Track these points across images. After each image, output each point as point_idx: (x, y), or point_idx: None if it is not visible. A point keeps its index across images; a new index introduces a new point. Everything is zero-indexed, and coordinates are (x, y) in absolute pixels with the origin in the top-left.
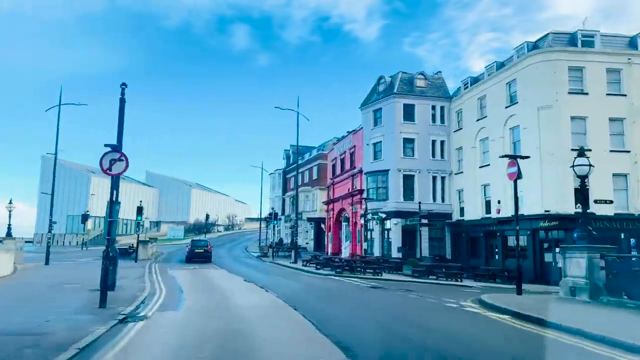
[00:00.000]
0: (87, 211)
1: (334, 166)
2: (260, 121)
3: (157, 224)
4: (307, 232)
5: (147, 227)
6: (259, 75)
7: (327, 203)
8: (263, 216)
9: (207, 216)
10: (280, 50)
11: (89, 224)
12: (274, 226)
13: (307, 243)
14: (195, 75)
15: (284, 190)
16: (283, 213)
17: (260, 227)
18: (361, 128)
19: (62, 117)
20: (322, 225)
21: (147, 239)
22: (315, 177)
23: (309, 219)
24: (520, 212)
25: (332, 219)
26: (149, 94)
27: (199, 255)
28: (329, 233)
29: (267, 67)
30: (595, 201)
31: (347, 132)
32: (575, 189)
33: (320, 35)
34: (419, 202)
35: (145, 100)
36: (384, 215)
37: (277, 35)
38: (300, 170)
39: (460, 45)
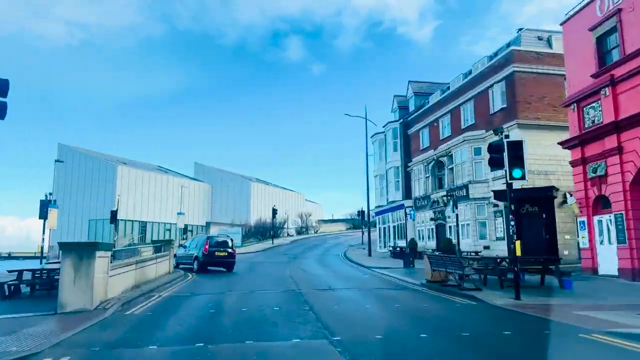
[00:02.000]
0: (50, 199)
1: (603, 41)
2: (318, 129)
3: (206, 226)
4: (469, 223)
5: (182, 229)
6: (314, 84)
7: (585, 143)
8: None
9: (275, 211)
10: (334, 59)
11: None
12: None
13: (474, 245)
14: (251, 89)
15: (407, 156)
16: (407, 195)
17: (368, 219)
18: None
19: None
20: (569, 198)
21: (129, 243)
22: (502, 105)
23: (495, 195)
24: None
25: (625, 179)
26: (206, 110)
27: (219, 262)
28: (600, 218)
29: (321, 76)
30: None
31: None
32: None
33: (373, 41)
34: None
35: (201, 116)
36: None
37: (329, 44)
38: (442, 112)
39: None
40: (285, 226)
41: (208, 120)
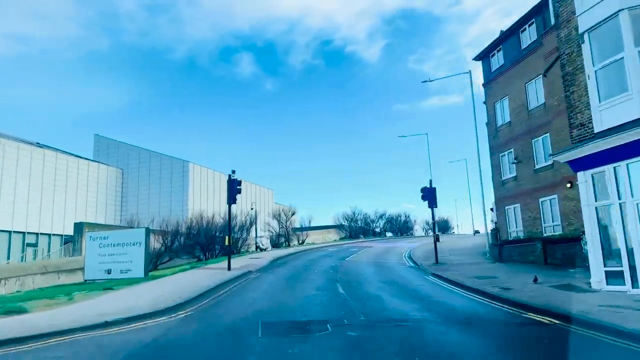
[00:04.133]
0: None
1: None
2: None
3: (75, 232)
4: None
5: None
6: (267, 100)
7: None
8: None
9: (234, 185)
10: (286, 75)
11: None
12: None
13: None
14: (202, 105)
15: None
16: None
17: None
18: None
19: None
20: None
21: None
22: None
23: None
24: None
25: None
26: (155, 126)
27: None
28: None
29: (274, 92)
30: None
31: None
32: None
33: (323, 59)
34: None
35: (151, 132)
36: None
37: (281, 61)
38: None
39: (465, 59)
40: (253, 232)
41: (155, 134)
